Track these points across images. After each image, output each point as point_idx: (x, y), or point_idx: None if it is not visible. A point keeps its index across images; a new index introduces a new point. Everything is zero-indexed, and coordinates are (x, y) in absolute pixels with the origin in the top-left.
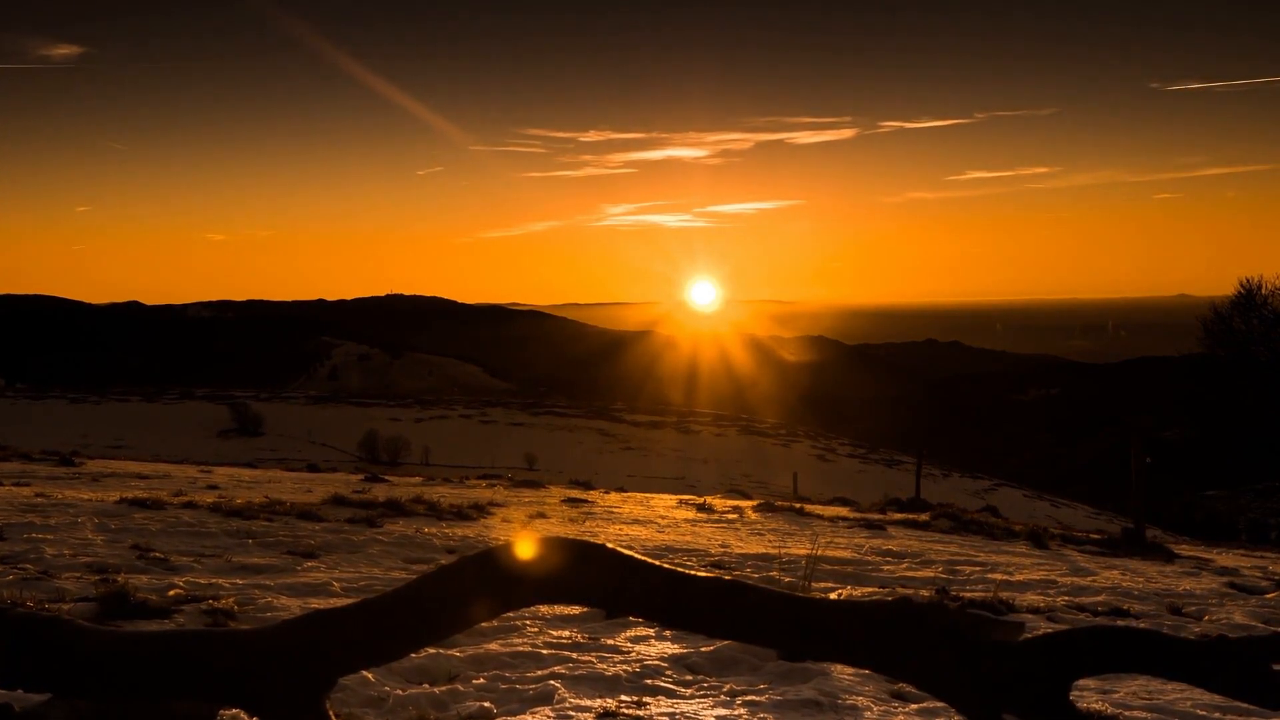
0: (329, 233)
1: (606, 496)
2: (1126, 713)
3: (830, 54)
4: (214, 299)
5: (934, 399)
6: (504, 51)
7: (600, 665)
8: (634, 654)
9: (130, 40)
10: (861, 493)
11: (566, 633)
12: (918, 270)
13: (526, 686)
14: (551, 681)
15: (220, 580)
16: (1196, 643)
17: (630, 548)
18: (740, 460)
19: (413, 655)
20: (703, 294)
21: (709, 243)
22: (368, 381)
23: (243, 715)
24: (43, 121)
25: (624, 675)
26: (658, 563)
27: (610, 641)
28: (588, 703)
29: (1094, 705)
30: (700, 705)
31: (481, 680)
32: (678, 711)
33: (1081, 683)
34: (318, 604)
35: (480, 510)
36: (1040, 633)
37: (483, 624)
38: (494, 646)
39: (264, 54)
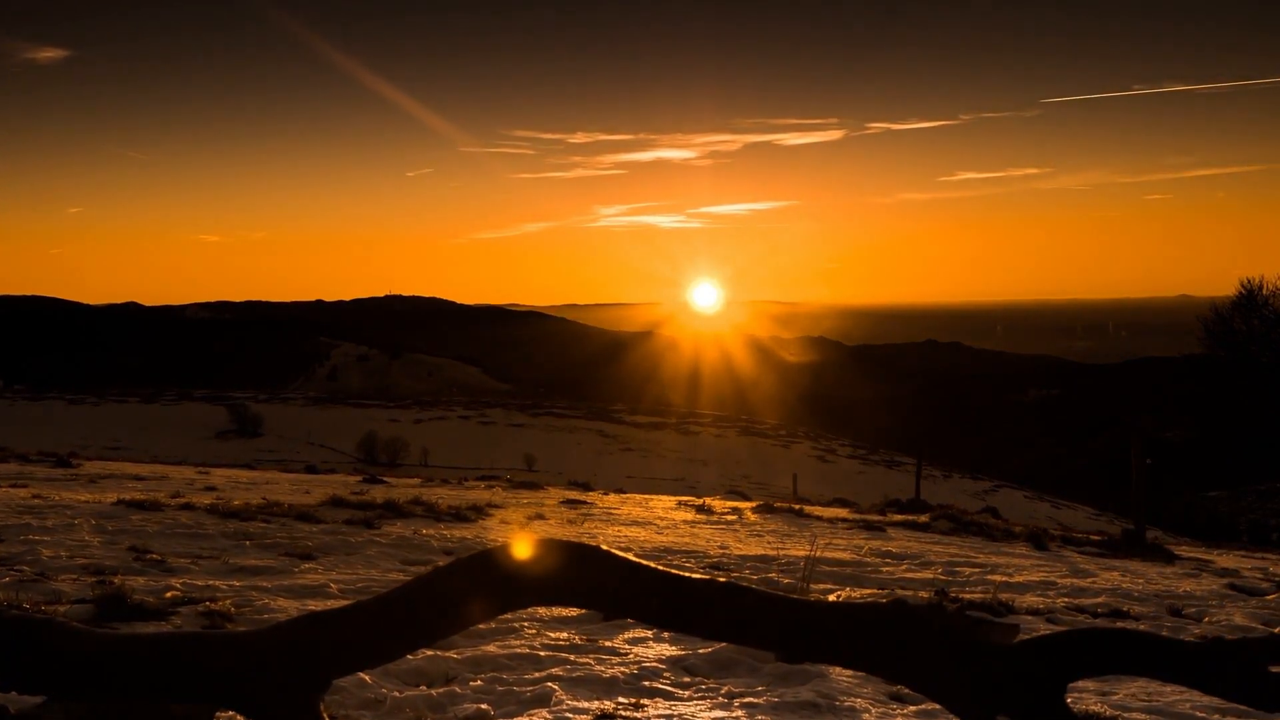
0: (323, 234)
1: (605, 498)
2: (1126, 715)
3: (814, 56)
4: (211, 300)
5: (934, 400)
6: (490, 52)
7: (598, 667)
8: (631, 656)
9: (117, 42)
10: (861, 494)
11: (564, 634)
12: (914, 271)
13: (524, 688)
14: (549, 683)
15: (217, 582)
16: (1192, 644)
17: (628, 549)
18: (740, 461)
19: (410, 657)
20: (704, 295)
21: (705, 243)
22: (367, 382)
23: (238, 717)
24: (31, 124)
25: (621, 677)
26: (654, 564)
27: (608, 643)
28: (585, 705)
29: (1093, 707)
30: (698, 707)
31: (479, 682)
32: (675, 713)
33: (1081, 684)
34: (315, 606)
35: (478, 512)
36: (1037, 634)
37: (480, 626)
38: (491, 648)
39: (255, 54)
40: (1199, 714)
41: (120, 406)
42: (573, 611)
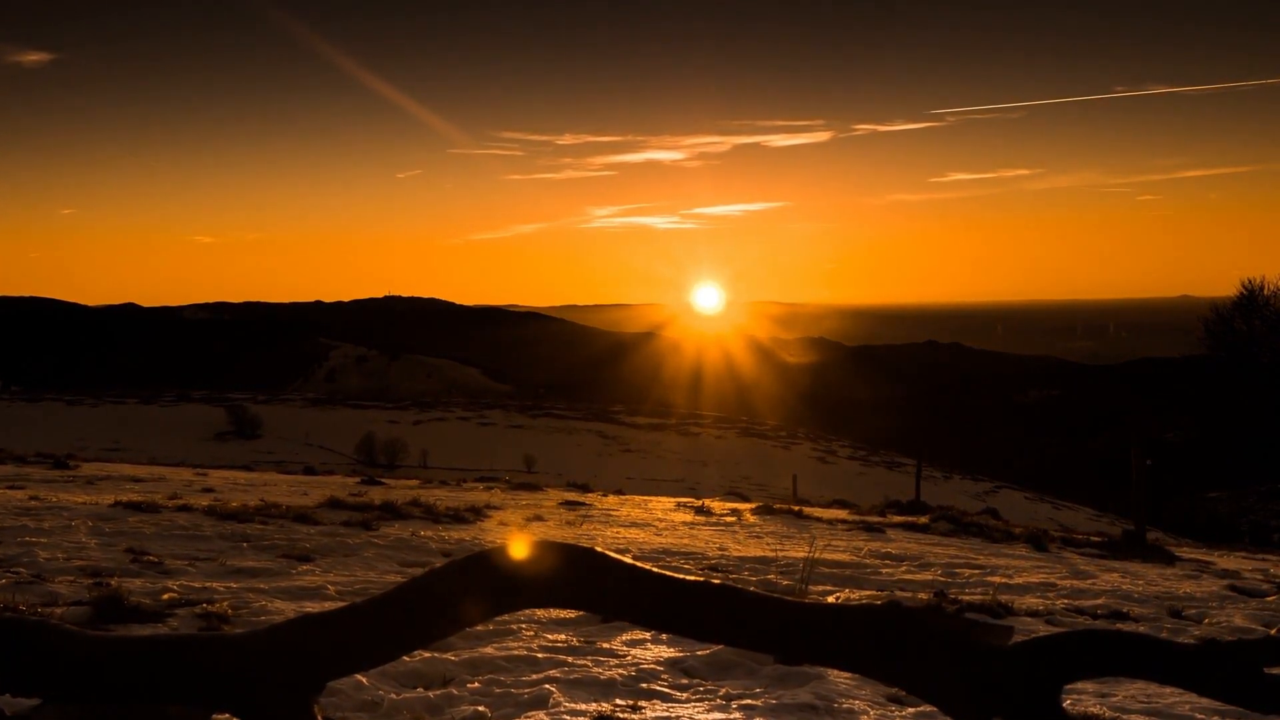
0: (318, 235)
1: (604, 499)
2: (1125, 716)
3: (798, 58)
4: (208, 301)
5: (935, 400)
6: (475, 53)
7: (595, 669)
8: (629, 657)
9: (103, 44)
10: (862, 495)
11: (562, 636)
12: (912, 271)
13: (521, 690)
14: (546, 685)
15: (214, 584)
16: (1188, 646)
17: (627, 551)
18: (740, 462)
19: (407, 659)
20: (704, 296)
21: (701, 244)
22: (366, 384)
23: None
24: (19, 127)
25: (619, 679)
26: (650, 566)
27: (606, 645)
28: (583, 707)
29: (1092, 709)
30: (696, 709)
31: (476, 684)
32: (673, 715)
33: (1080, 686)
34: (312, 607)
35: (477, 513)
36: (1032, 636)
37: (478, 627)
38: (489, 650)
39: (244, 55)
40: (1198, 716)
41: (118, 407)
42: (571, 613)
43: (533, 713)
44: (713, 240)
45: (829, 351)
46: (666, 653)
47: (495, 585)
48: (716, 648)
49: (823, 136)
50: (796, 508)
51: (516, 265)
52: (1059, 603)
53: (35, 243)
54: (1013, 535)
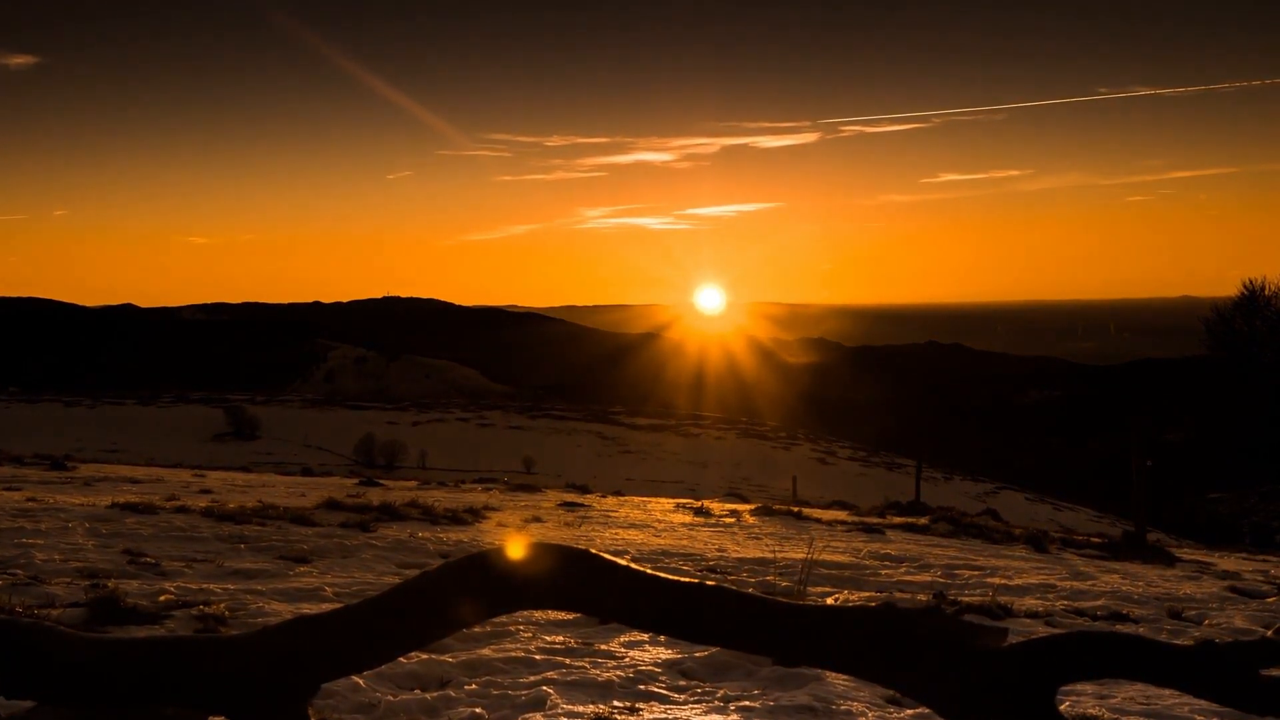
0: (311, 236)
1: (603, 500)
2: (1123, 718)
3: (783, 59)
4: (205, 302)
5: (936, 401)
6: (462, 54)
7: (593, 671)
8: (627, 659)
9: (90, 46)
10: (862, 496)
11: (560, 638)
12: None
13: (519, 692)
14: (544, 687)
15: (212, 585)
16: (1183, 648)
17: (625, 552)
18: (740, 463)
19: (404, 661)
20: (705, 297)
21: (697, 245)
22: (364, 384)
23: None
24: (8, 129)
25: (617, 681)
26: (646, 568)
27: (604, 647)
28: (580, 709)
29: (1091, 710)
30: (694, 711)
31: (474, 686)
32: (671, 717)
33: (1080, 688)
34: (309, 609)
35: (475, 514)
36: (1027, 638)
37: (475, 629)
38: (487, 652)
39: (232, 55)
40: (1197, 717)
41: (116, 408)
42: (568, 615)
43: (530, 715)
44: (707, 241)
45: (829, 352)
46: (664, 654)
47: (490, 587)
48: (714, 649)
49: (810, 137)
50: (796, 509)
51: (512, 266)
52: (1058, 604)
53: (29, 244)
54: (1012, 536)
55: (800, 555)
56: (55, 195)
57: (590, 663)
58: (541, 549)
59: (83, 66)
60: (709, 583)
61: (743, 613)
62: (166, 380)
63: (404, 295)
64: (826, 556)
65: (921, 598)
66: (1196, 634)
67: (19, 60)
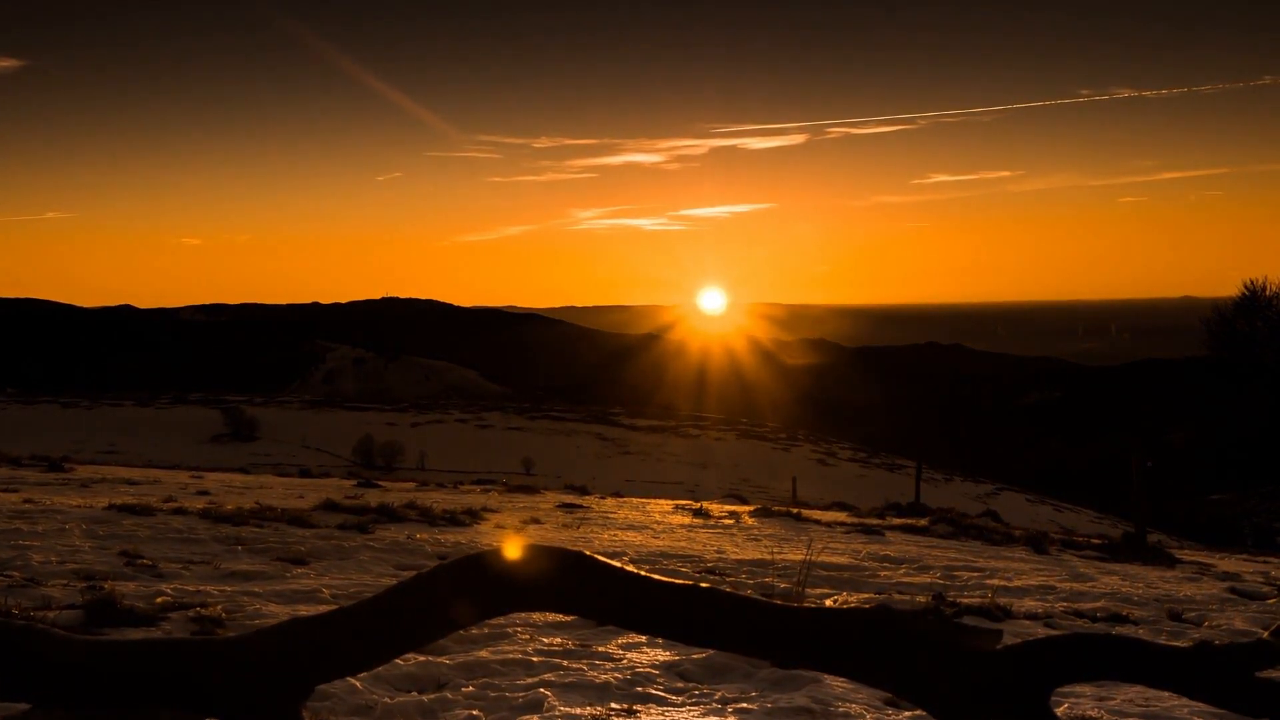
0: (306, 237)
1: (602, 502)
2: None
3: (770, 60)
4: (202, 303)
5: (936, 401)
6: (450, 56)
7: (591, 673)
8: (625, 661)
9: (77, 48)
10: (862, 497)
11: (557, 640)
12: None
13: (516, 694)
14: (542, 689)
15: (209, 587)
16: (1177, 649)
17: (623, 554)
18: (740, 464)
19: (401, 662)
20: (706, 298)
21: (692, 245)
22: (363, 385)
23: None
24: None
25: (615, 683)
26: (644, 570)
27: (601, 649)
28: (578, 711)
29: (1090, 712)
30: (692, 713)
31: (471, 688)
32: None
33: (1079, 689)
34: (306, 611)
35: (473, 516)
36: (1022, 640)
37: (473, 630)
38: (484, 654)
39: (226, 56)
40: (1196, 719)
41: (114, 410)
42: (566, 617)
43: (527, 717)
44: (702, 241)
45: (830, 353)
46: (662, 656)
47: (487, 588)
48: (712, 651)
49: (799, 139)
50: (795, 510)
51: (508, 267)
52: (1058, 605)
53: (23, 246)
54: (1012, 538)
55: (799, 557)
56: (46, 198)
57: (588, 665)
58: (538, 550)
59: (69, 69)
60: (704, 585)
61: (738, 615)
62: (164, 381)
63: (403, 296)
64: (826, 558)
65: (920, 599)
66: (1196, 635)
67: (4, 64)
